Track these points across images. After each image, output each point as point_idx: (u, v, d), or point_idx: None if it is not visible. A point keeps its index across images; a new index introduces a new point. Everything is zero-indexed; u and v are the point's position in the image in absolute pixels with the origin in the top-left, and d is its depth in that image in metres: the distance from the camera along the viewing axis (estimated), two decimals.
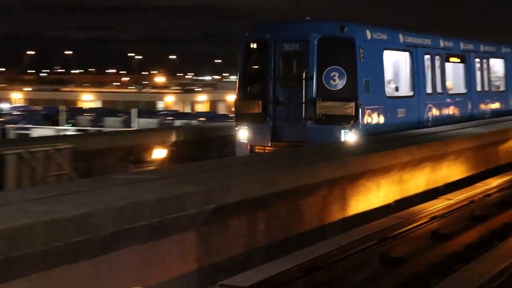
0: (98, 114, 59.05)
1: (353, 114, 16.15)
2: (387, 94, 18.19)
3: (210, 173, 9.77)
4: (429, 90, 20.48)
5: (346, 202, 11.98)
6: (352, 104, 16.19)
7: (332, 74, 16.48)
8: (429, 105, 20.36)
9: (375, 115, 17.15)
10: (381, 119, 17.45)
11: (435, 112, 20.60)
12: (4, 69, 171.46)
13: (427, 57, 20.52)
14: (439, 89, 21.16)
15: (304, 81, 16.52)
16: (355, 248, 9.87)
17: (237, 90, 18.06)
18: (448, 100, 21.94)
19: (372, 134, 16.47)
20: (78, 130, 38.35)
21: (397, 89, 19.14)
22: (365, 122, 16.52)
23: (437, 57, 21.18)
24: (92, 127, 44.47)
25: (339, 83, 16.46)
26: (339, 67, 16.47)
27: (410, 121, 18.99)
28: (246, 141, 17.15)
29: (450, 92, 22.41)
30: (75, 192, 7.77)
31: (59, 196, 7.49)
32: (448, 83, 22.22)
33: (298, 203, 10.53)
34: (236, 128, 17.43)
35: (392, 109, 18.24)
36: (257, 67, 17.67)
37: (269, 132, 16.88)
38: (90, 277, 6.96)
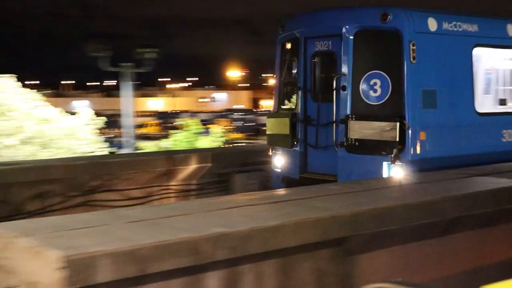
0: None
1: (396, 139, 9.33)
2: (480, 110, 10.63)
3: None
4: None
5: None
6: (395, 125, 9.33)
7: (372, 83, 9.81)
8: None
9: (450, 140, 9.98)
10: (467, 146, 10.17)
11: None
12: None
13: None
14: None
15: (334, 93, 10.09)
16: None
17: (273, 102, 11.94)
18: None
19: (445, 167, 9.35)
20: None
21: (503, 102, 11.40)
22: (422, 151, 9.48)
23: None
24: None
25: (382, 95, 9.73)
26: (382, 72, 9.74)
27: None
28: (279, 170, 11.18)
29: None
30: (419, 183, 8.02)
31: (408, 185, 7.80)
32: None
33: None
34: (270, 152, 11.44)
35: (492, 131, 10.73)
36: (289, 73, 11.36)
37: (298, 160, 10.77)
38: (434, 253, 7.10)
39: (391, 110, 9.60)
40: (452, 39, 10.18)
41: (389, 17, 9.61)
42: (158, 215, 5.67)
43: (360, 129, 9.68)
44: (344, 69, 9.98)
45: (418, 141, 9.46)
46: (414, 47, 9.52)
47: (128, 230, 5.07)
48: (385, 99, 9.71)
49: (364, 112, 9.80)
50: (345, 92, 9.95)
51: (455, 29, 10.24)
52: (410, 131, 9.37)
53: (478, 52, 10.70)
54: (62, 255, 4.27)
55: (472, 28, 10.50)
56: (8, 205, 10.79)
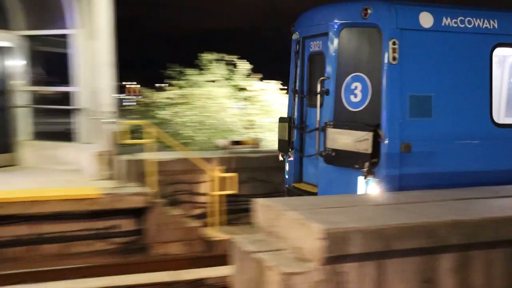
0: None
1: (369, 152, 6.96)
2: (500, 120, 7.86)
3: None
4: None
5: None
6: (368, 136, 6.98)
7: (353, 86, 7.48)
8: None
9: (452, 155, 7.16)
10: (477, 162, 7.27)
11: None
12: None
13: None
14: None
15: (318, 97, 7.80)
16: None
17: None
18: None
19: (441, 185, 6.69)
20: None
21: None
22: (406, 166, 6.92)
23: None
24: None
25: (362, 100, 7.35)
26: (362, 75, 7.37)
27: None
28: (286, 177, 8.96)
29: None
30: None
31: None
32: None
33: None
34: (280, 158, 9.18)
35: None
36: (294, 76, 8.93)
37: (292, 168, 8.68)
38: None
39: (369, 117, 7.15)
40: (461, 37, 7.29)
41: (369, 11, 7.20)
42: (398, 201, 5.71)
43: (337, 138, 7.37)
44: (329, 71, 7.70)
45: (399, 154, 6.89)
46: (396, 46, 6.98)
47: (374, 212, 5.19)
48: (364, 105, 7.29)
49: (343, 119, 7.43)
50: (329, 96, 7.66)
51: (464, 26, 7.28)
52: (387, 143, 6.87)
53: (501, 53, 7.93)
54: (322, 228, 4.52)
55: (491, 25, 7.41)
56: (269, 184, 11.60)
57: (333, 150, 7.39)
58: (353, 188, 7.14)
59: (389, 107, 6.94)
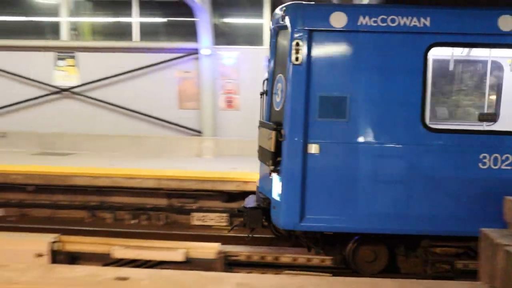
0: None
1: (272, 149, 6.42)
2: (436, 125, 6.62)
3: None
4: None
5: None
6: (272, 134, 6.43)
7: (278, 87, 6.84)
8: None
9: (367, 160, 6.18)
10: (405, 167, 6.18)
11: None
12: None
13: None
14: None
15: (263, 97, 7.33)
16: None
17: None
18: None
19: (352, 188, 6.20)
20: None
21: (488, 117, 6.77)
22: (310, 165, 6.25)
23: None
24: None
25: (280, 100, 6.69)
26: (282, 76, 6.69)
27: None
28: None
29: None
30: None
31: None
32: None
33: None
34: None
35: (457, 152, 6.15)
36: None
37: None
38: None
39: (281, 117, 6.59)
40: (383, 37, 6.23)
41: (284, 14, 6.59)
42: None
43: (261, 136, 7.12)
44: (268, 72, 7.34)
45: (303, 155, 6.30)
46: (299, 47, 6.32)
47: None
48: (281, 105, 6.72)
49: (272, 119, 7.06)
50: (267, 96, 7.30)
51: (386, 25, 6.21)
52: (288, 142, 6.36)
53: (440, 53, 7.08)
54: None
55: (421, 23, 6.19)
56: None
57: (260, 147, 7.19)
58: (271, 184, 6.83)
59: (292, 107, 6.41)
